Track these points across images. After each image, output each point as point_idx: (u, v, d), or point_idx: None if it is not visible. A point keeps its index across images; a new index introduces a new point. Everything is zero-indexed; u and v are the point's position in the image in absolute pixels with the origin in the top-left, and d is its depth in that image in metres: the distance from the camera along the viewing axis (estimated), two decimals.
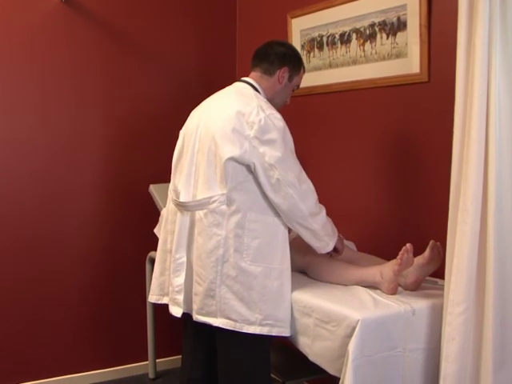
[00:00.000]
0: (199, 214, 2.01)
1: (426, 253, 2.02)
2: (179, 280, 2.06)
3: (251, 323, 1.93)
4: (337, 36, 2.73)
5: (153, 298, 2.24)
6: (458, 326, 1.75)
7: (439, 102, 2.26)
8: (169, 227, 2.18)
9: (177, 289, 2.07)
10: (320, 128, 2.91)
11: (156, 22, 3.21)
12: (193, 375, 2.22)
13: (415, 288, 2.05)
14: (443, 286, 1.85)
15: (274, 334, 1.94)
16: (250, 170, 1.95)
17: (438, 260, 2.03)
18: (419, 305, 1.90)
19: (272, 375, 2.41)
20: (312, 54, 2.89)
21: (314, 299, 1.94)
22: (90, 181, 3.09)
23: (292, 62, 2.16)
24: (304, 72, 2.26)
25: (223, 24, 3.43)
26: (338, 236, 2.15)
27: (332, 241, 2.09)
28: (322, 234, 2.04)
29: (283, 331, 1.96)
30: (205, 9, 3.36)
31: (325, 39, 2.80)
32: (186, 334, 2.26)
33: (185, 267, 2.06)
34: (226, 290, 1.95)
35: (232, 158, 1.93)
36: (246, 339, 1.96)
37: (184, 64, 3.32)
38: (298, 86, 2.25)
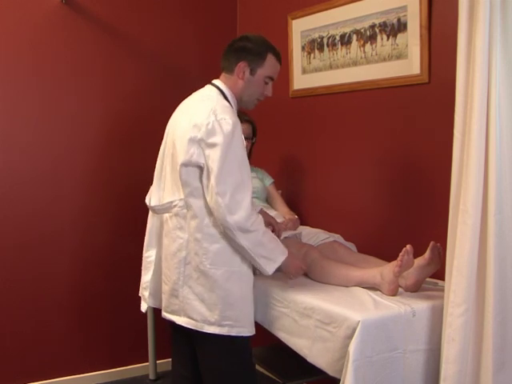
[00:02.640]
0: (166, 216, 2.07)
1: (427, 254, 2.01)
2: (146, 277, 2.22)
3: (211, 323, 1.96)
4: (337, 37, 2.73)
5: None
6: (458, 327, 1.75)
7: (439, 103, 2.26)
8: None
9: (144, 285, 2.24)
10: (320, 129, 2.91)
11: (156, 23, 3.22)
12: (181, 373, 2.24)
13: (415, 289, 2.05)
14: (443, 287, 1.86)
15: (233, 334, 1.95)
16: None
17: (439, 261, 2.03)
18: (419, 306, 1.90)
19: (272, 376, 2.42)
20: (312, 56, 2.89)
21: (315, 300, 1.95)
22: (90, 181, 3.09)
23: (251, 53, 2.06)
24: (278, 60, 2.11)
25: (223, 25, 3.43)
26: (291, 258, 2.05)
27: (269, 266, 1.97)
28: (254, 254, 1.93)
29: (243, 331, 1.97)
30: (205, 9, 3.36)
31: (325, 40, 2.80)
32: (172, 337, 2.29)
33: (153, 266, 2.19)
34: (189, 291, 1.99)
35: (183, 164, 1.95)
36: (218, 342, 1.98)
37: (184, 65, 3.32)
38: (272, 77, 2.11)
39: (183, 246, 1.99)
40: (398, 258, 1.97)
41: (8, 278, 2.91)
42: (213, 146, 1.89)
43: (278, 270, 2.03)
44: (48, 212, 3.00)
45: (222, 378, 2.03)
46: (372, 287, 2.05)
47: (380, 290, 2.02)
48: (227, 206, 1.86)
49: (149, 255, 2.21)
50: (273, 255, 1.98)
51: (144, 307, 2.27)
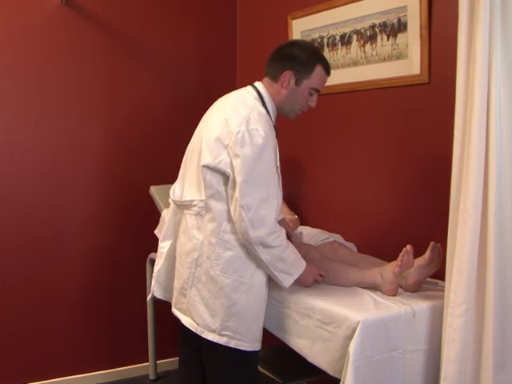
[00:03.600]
0: (186, 213, 2.05)
1: (427, 254, 2.02)
2: (157, 268, 2.21)
3: (212, 330, 1.95)
4: (337, 37, 2.73)
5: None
6: (459, 328, 1.75)
7: (439, 103, 2.26)
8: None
9: (154, 275, 2.23)
10: (320, 129, 2.91)
11: (156, 23, 3.21)
12: (186, 373, 2.23)
13: (416, 289, 2.05)
14: (443, 287, 1.86)
15: (231, 345, 1.94)
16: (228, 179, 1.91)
17: (439, 261, 2.03)
18: (420, 306, 1.90)
19: (272, 376, 2.42)
20: None
21: (315, 300, 1.95)
22: (91, 182, 3.09)
23: (298, 63, 1.97)
24: (327, 72, 2.03)
25: (224, 25, 3.43)
26: (309, 269, 2.03)
27: (287, 280, 1.95)
28: (273, 269, 1.92)
29: (241, 345, 1.95)
30: (205, 9, 3.36)
31: (325, 40, 2.80)
32: (181, 334, 2.27)
33: (163, 257, 2.18)
34: (196, 293, 1.98)
35: (207, 166, 1.92)
36: (221, 349, 1.96)
37: (184, 65, 3.32)
38: (317, 89, 2.03)
39: (197, 246, 1.98)
40: (398, 259, 1.97)
41: (8, 279, 2.91)
42: (240, 157, 1.84)
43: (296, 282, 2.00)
44: (49, 213, 3.00)
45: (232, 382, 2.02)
46: (372, 287, 2.05)
47: (380, 290, 2.02)
48: (250, 221, 1.84)
49: (162, 246, 2.19)
50: (291, 269, 1.96)
51: (149, 296, 2.29)
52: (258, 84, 2.05)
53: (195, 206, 1.99)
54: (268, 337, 2.10)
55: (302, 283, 2.04)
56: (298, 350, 1.97)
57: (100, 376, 3.18)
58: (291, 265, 1.96)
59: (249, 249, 1.91)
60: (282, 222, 2.15)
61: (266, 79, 2.05)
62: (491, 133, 1.70)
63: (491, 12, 1.67)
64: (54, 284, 3.02)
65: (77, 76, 3.02)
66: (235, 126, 1.87)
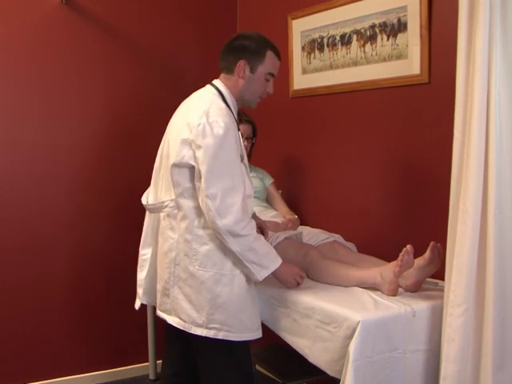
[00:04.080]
0: (161, 215, 2.09)
1: (426, 254, 2.01)
2: (141, 275, 2.25)
3: (198, 325, 1.96)
4: (337, 37, 2.73)
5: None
6: (458, 327, 1.75)
7: (439, 102, 2.26)
8: None
9: (139, 283, 2.27)
10: (320, 129, 2.91)
11: (156, 23, 3.22)
12: (172, 371, 2.26)
13: (415, 289, 2.04)
14: (443, 287, 1.86)
15: (220, 337, 1.95)
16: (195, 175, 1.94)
17: (438, 261, 2.03)
18: (419, 306, 1.90)
19: (272, 376, 2.42)
20: (312, 56, 2.89)
21: (315, 300, 1.94)
22: (91, 182, 3.09)
23: (249, 51, 2.03)
24: (277, 56, 2.08)
25: (223, 25, 3.42)
26: (288, 267, 2.02)
27: (260, 272, 1.93)
28: (244, 260, 1.90)
29: (230, 335, 1.95)
30: (205, 9, 3.36)
31: (325, 40, 2.80)
32: (165, 335, 2.30)
33: (148, 264, 2.21)
34: (178, 291, 2.00)
35: (175, 164, 1.96)
36: (211, 343, 1.97)
37: (184, 64, 3.32)
38: (273, 73, 2.08)
39: (173, 246, 2.01)
40: (399, 258, 1.97)
41: (8, 279, 2.91)
42: (202, 147, 1.88)
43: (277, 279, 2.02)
44: (47, 213, 2.99)
45: (217, 380, 2.03)
46: (372, 287, 2.05)
47: (380, 290, 2.02)
48: (217, 210, 1.85)
49: (144, 253, 2.24)
50: (264, 261, 1.94)
51: (137, 304, 2.31)
52: (215, 81, 2.09)
53: (166, 206, 2.04)
54: (268, 336, 2.10)
55: (283, 283, 2.04)
56: (298, 350, 1.97)
57: (100, 376, 3.18)
58: (264, 257, 1.94)
59: (218, 238, 1.91)
60: (255, 217, 2.19)
61: (222, 75, 2.09)
62: (491, 132, 1.70)
63: (491, 12, 1.67)
64: (53, 284, 3.02)
65: (77, 76, 3.02)
66: (196, 120, 1.91)
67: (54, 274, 3.02)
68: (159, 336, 3.17)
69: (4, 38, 2.83)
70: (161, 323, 3.13)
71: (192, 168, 1.92)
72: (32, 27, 2.89)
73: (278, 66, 2.11)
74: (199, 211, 1.94)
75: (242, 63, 2.02)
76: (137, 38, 3.17)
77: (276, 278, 2.02)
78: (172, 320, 2.04)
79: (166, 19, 3.24)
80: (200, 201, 1.91)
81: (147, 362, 3.22)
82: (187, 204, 1.97)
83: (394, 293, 1.99)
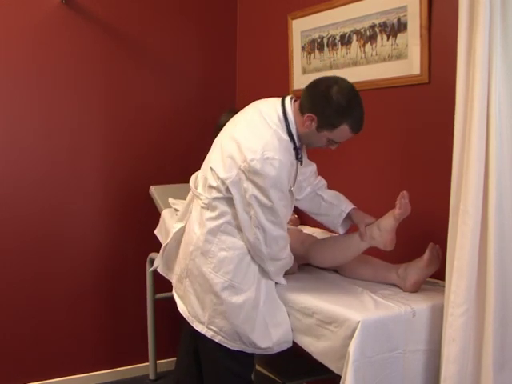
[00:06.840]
0: (195, 203, 2.08)
1: (425, 255, 2.02)
2: (165, 243, 2.26)
3: (201, 322, 2.01)
4: (337, 37, 2.73)
5: None
6: (459, 328, 1.75)
7: (439, 103, 2.26)
8: None
9: (162, 249, 2.29)
10: None
11: (156, 23, 3.21)
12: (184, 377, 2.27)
13: (415, 289, 2.05)
14: (443, 287, 1.86)
15: (216, 340, 1.98)
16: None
17: (437, 262, 2.03)
18: (420, 306, 1.90)
19: (272, 376, 2.42)
20: (312, 56, 2.89)
21: (315, 300, 1.94)
22: (91, 183, 3.09)
23: (325, 115, 1.88)
24: (353, 130, 1.92)
25: (224, 25, 3.42)
26: None
27: (278, 278, 2.08)
28: (274, 275, 2.05)
29: (225, 342, 1.98)
30: (205, 9, 3.36)
31: (325, 40, 2.80)
32: (182, 337, 2.30)
33: (171, 235, 2.21)
34: (189, 284, 2.04)
35: (217, 174, 1.96)
36: (214, 343, 1.99)
37: (184, 65, 3.32)
38: (336, 141, 1.98)
39: (193, 241, 2.01)
40: (396, 202, 2.02)
41: (8, 279, 2.91)
42: (253, 182, 1.88)
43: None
44: (49, 213, 2.99)
45: (218, 375, 2.06)
46: (372, 288, 2.05)
47: (378, 246, 2.09)
48: (264, 240, 1.93)
49: (175, 226, 2.22)
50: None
51: (151, 268, 2.43)
52: (287, 102, 1.98)
53: (201, 200, 2.02)
54: None
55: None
56: (304, 347, 1.97)
57: (100, 376, 3.18)
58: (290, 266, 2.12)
59: (256, 258, 1.98)
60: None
61: (298, 102, 1.98)
62: (491, 133, 1.70)
63: (491, 12, 1.67)
64: (53, 284, 3.02)
65: (77, 76, 3.02)
66: (251, 152, 1.87)
67: (54, 274, 3.02)
68: (159, 336, 3.17)
69: (4, 38, 2.83)
70: (161, 323, 3.15)
71: (230, 188, 1.92)
72: (32, 27, 2.89)
73: (349, 137, 1.96)
74: (231, 217, 1.96)
75: (311, 117, 1.90)
76: (137, 37, 3.17)
77: None
78: (181, 307, 2.09)
79: (166, 19, 3.24)
80: (246, 227, 1.93)
81: (147, 361, 3.22)
82: (224, 208, 1.96)
83: (391, 244, 2.07)
